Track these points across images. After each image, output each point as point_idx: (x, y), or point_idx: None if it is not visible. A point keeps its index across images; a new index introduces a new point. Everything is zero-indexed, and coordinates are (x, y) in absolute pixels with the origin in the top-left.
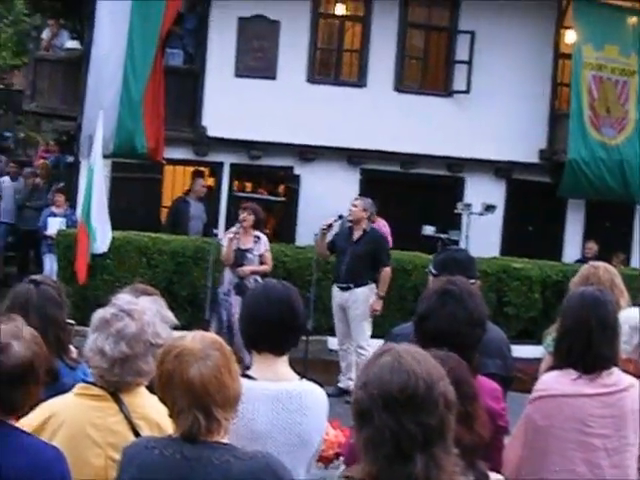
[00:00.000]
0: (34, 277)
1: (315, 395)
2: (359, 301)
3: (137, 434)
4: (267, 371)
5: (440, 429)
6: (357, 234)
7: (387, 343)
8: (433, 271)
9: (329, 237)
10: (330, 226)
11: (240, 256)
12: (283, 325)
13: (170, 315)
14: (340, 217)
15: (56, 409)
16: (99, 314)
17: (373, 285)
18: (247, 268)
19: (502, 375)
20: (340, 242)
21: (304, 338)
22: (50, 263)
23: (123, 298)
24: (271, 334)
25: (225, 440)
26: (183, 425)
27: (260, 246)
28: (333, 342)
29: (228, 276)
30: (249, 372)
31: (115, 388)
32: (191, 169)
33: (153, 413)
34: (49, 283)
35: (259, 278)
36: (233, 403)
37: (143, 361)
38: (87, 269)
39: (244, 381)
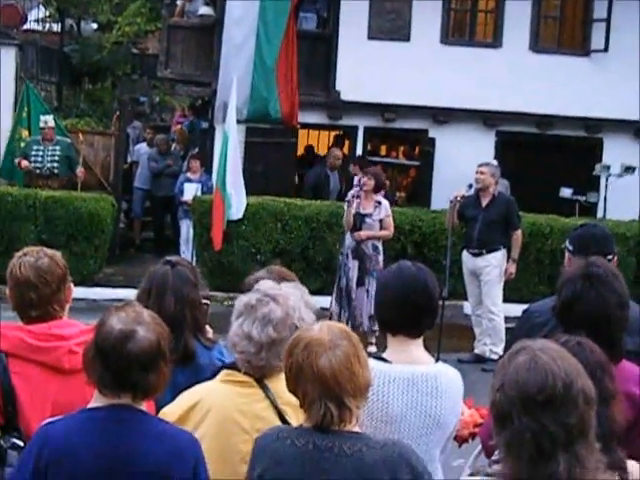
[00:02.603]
0: (170, 258)
1: (450, 377)
2: (491, 266)
3: (283, 420)
4: (402, 354)
5: (581, 427)
6: (486, 200)
7: (522, 340)
8: (570, 247)
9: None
10: (462, 197)
11: (359, 220)
12: (418, 308)
13: (312, 301)
14: (470, 186)
15: (201, 396)
16: (243, 300)
17: (504, 250)
18: (363, 233)
19: None
20: (469, 210)
21: (440, 303)
22: (186, 229)
23: (266, 283)
24: (406, 318)
25: (356, 428)
26: (315, 415)
27: (380, 211)
28: (468, 307)
29: (347, 240)
30: (384, 355)
31: (260, 374)
32: (326, 133)
33: None
34: (184, 264)
35: (379, 244)
36: (364, 391)
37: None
38: (223, 235)
39: (379, 364)
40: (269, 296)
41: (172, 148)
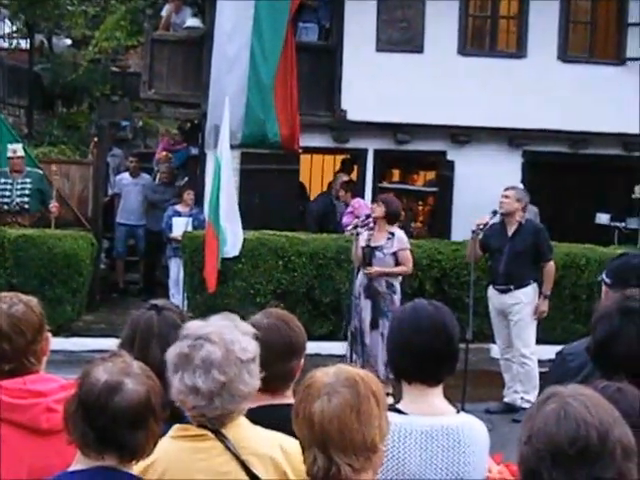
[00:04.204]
0: (155, 302)
1: (475, 430)
2: (521, 304)
3: (249, 472)
4: (419, 404)
5: None
6: (512, 228)
7: (552, 386)
8: (607, 280)
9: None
10: (486, 225)
11: (369, 254)
12: (436, 353)
13: (247, 326)
14: (495, 213)
15: (155, 457)
16: (174, 351)
17: (535, 284)
18: (375, 269)
19: None
20: (493, 240)
21: (463, 346)
22: (176, 269)
23: (192, 324)
24: (423, 364)
25: None
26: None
27: (393, 243)
28: (496, 350)
29: (359, 278)
30: (399, 406)
31: (217, 423)
32: (331, 158)
33: (264, 446)
34: (171, 309)
35: (395, 282)
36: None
37: (240, 383)
38: (217, 275)
39: (393, 416)
40: (201, 338)
41: (176, 178)
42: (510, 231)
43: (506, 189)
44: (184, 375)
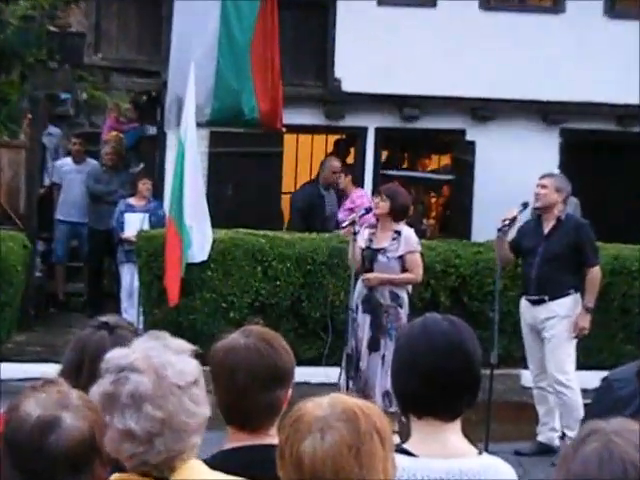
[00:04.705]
0: (105, 319)
1: (501, 474)
2: (557, 318)
3: None
4: (432, 444)
5: None
6: (549, 225)
7: (592, 421)
8: None
9: (511, 234)
10: (514, 220)
11: (370, 258)
12: (453, 381)
13: (181, 343)
14: (525, 205)
15: None
16: (95, 392)
17: (577, 295)
18: (375, 275)
19: None
20: (527, 239)
21: (487, 372)
22: (129, 277)
23: (111, 354)
24: (436, 394)
25: None
26: None
27: (399, 245)
28: (528, 377)
29: (358, 287)
30: (407, 445)
31: (165, 469)
32: (322, 138)
33: None
34: (126, 327)
35: (402, 292)
36: None
37: (184, 414)
38: (180, 285)
39: (400, 458)
40: (124, 369)
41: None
42: (546, 229)
43: (542, 177)
44: (113, 420)
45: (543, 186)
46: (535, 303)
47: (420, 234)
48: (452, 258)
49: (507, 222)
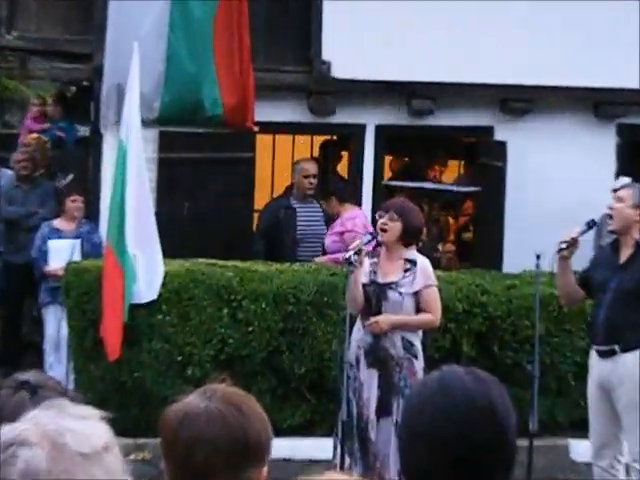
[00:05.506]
0: (25, 377)
1: None
2: (633, 376)
3: None
4: None
5: None
6: (627, 253)
7: None
8: None
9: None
10: (574, 244)
11: (377, 295)
12: (479, 455)
13: (85, 408)
14: (591, 225)
15: None
16: None
17: None
18: (386, 318)
19: None
20: (599, 270)
21: (524, 443)
22: (55, 322)
23: None
24: (457, 469)
25: None
26: None
27: (415, 277)
28: (579, 448)
29: (357, 333)
30: None
31: None
32: (307, 139)
33: None
34: (52, 387)
35: (416, 339)
36: None
37: None
38: (122, 332)
39: None
40: (12, 444)
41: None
42: (623, 257)
43: (618, 188)
44: None
45: (620, 199)
46: (604, 355)
47: (435, 263)
48: (477, 295)
49: (563, 246)
